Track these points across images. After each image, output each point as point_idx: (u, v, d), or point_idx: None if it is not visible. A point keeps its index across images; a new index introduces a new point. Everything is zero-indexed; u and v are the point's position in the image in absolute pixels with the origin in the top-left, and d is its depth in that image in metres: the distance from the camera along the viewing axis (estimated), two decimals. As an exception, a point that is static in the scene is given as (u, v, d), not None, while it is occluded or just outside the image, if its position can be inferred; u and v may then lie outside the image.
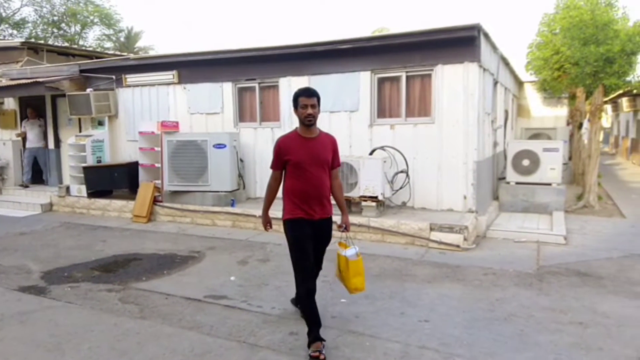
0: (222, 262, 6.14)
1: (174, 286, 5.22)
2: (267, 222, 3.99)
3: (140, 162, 9.36)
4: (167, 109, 9.72)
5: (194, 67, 9.27)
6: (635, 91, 13.54)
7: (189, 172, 8.48)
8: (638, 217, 8.62)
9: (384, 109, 8.02)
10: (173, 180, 8.59)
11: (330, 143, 3.81)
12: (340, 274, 4.02)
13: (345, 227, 3.92)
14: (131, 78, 9.97)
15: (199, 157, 8.39)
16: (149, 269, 5.87)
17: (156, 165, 9.06)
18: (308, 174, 3.65)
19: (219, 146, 8.31)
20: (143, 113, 9.98)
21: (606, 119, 27.94)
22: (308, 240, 3.69)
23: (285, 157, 3.66)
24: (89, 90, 9.98)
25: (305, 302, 3.74)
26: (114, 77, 10.10)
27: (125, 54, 17.79)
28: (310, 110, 3.59)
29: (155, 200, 8.85)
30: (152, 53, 27.43)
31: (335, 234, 3.99)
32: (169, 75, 9.53)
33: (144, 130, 9.27)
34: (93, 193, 9.63)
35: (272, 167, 3.80)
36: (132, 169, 9.45)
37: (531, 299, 4.73)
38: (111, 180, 9.54)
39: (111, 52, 23.98)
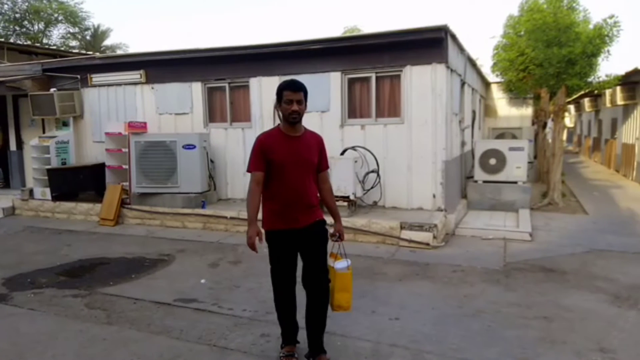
0: (193, 265, 6.05)
1: (143, 290, 5.11)
2: (255, 233, 3.23)
3: (107, 164, 9.15)
4: (135, 109, 9.53)
5: (162, 67, 9.11)
6: (596, 92, 14.03)
7: (157, 174, 8.33)
8: (600, 214, 8.93)
9: (354, 110, 8.07)
10: (141, 182, 8.42)
11: (316, 142, 3.40)
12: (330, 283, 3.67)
13: (339, 236, 3.49)
14: (97, 78, 9.73)
15: (167, 158, 8.26)
16: (117, 273, 5.73)
17: (124, 166, 8.87)
18: (291, 177, 3.24)
19: (189, 147, 8.19)
20: (110, 113, 9.75)
21: (569, 119, 28.86)
22: (287, 255, 3.36)
23: (269, 155, 3.22)
24: (52, 90, 9.67)
25: (279, 314, 3.54)
26: (79, 76, 9.83)
27: (90, 53, 17.34)
28: (295, 107, 3.17)
29: (123, 203, 8.66)
30: (120, 52, 26.82)
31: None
32: (136, 75, 9.34)
33: (110, 131, 9.06)
34: (58, 196, 9.34)
35: (252, 168, 3.27)
36: (98, 171, 9.23)
37: (498, 295, 4.84)
38: (77, 182, 9.29)
39: (76, 50, 23.34)
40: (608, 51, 9.28)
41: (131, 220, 8.60)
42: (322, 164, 3.45)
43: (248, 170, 3.29)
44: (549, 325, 4.11)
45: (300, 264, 3.44)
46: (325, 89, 7.98)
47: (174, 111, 9.22)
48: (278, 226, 3.31)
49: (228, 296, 4.89)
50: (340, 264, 3.46)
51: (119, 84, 9.62)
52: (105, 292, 5.08)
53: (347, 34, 18.40)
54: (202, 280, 5.38)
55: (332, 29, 52.98)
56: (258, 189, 3.28)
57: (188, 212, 8.14)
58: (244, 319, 4.30)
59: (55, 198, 9.33)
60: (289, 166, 3.23)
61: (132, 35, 50.67)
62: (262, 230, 3.32)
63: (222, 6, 58.71)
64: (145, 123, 8.96)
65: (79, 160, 9.95)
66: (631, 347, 3.69)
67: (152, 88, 9.35)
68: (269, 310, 4.43)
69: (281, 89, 3.24)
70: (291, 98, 3.19)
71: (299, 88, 3.23)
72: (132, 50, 28.47)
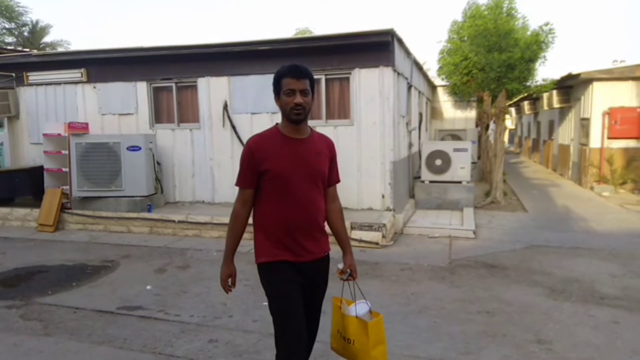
0: (138, 271, 5.86)
1: (84, 299, 4.89)
2: (228, 275, 2.53)
3: (45, 167, 8.69)
4: (76, 109, 9.13)
5: (105, 65, 8.78)
6: (534, 95, 14.78)
7: (100, 177, 8.01)
8: (538, 211, 9.41)
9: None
10: (83, 186, 8.07)
11: (326, 147, 2.57)
12: (342, 344, 2.61)
13: (350, 273, 2.60)
14: (34, 76, 9.24)
15: (111, 161, 7.95)
16: (56, 282, 5.46)
17: (64, 169, 8.46)
18: (297, 194, 2.42)
19: (134, 148, 7.93)
20: (48, 114, 9.29)
21: (511, 121, 30.24)
22: (296, 294, 2.45)
23: (263, 166, 2.39)
24: (-17, 88, 9.11)
25: None
26: (14, 74, 9.32)
27: (27, 50, 16.44)
28: (299, 99, 2.34)
29: (63, 207, 8.25)
30: (61, 49, 25.56)
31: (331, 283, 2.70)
32: (77, 74, 8.95)
33: (49, 132, 8.61)
34: (-9, 201, 8.79)
35: (240, 183, 2.48)
36: (36, 174, 8.76)
37: (444, 292, 4.99)
38: (12, 186, 8.79)
39: (12, 47, 22.03)
40: (544, 57, 9.82)
41: (72, 226, 8.21)
42: (332, 175, 2.63)
43: (236, 184, 2.52)
44: (490, 320, 4.28)
45: None
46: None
47: (117, 111, 8.90)
48: (281, 256, 2.44)
49: (175, 302, 4.77)
50: (361, 309, 2.56)
51: (58, 83, 9.18)
52: (43, 302, 4.82)
53: (298, 36, 18.42)
54: (148, 287, 5.22)
55: (284, 30, 52.98)
56: (243, 212, 2.49)
57: (133, 216, 7.87)
58: (191, 324, 4.20)
59: (-13, 203, 8.77)
60: (294, 179, 2.41)
61: (75, 33, 48.49)
62: (235, 271, 2.56)
63: (175, 6, 57.30)
64: (86, 124, 8.59)
65: (14, 163, 9.41)
66: (565, 337, 3.90)
67: (94, 87, 8.98)
68: (217, 315, 4.38)
69: (279, 77, 2.41)
70: (293, 87, 2.35)
71: (304, 74, 2.38)
72: (74, 48, 27.25)
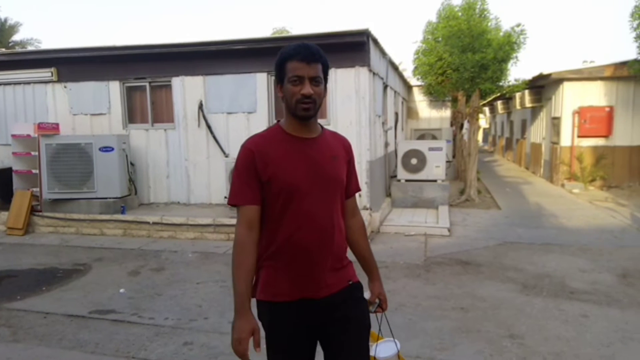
0: (111, 274, 5.74)
1: (55, 303, 4.78)
2: (250, 332, 1.76)
3: (14, 168, 8.43)
4: (46, 109, 8.90)
5: (76, 64, 8.58)
6: (507, 95, 15.07)
7: (72, 178, 7.82)
8: (511, 209, 9.59)
9: (281, 110, 8.03)
10: (54, 188, 7.87)
11: (343, 149, 2.03)
12: None
13: (379, 303, 2.12)
14: (2, 75, 8.97)
15: (83, 162, 7.77)
16: (25, 287, 5.31)
17: (33, 171, 8.23)
18: (310, 209, 1.84)
19: (106, 149, 7.77)
20: (17, 114, 9.03)
21: (485, 120, 30.79)
22: (302, 348, 1.89)
23: (266, 175, 1.81)
24: (-53, 88, 8.80)
25: None
26: (-21, 73, 9.02)
27: (-6, 48, 15.97)
28: (308, 88, 1.79)
29: (33, 210, 8.04)
30: (31, 48, 24.89)
31: None
32: (47, 73, 8.72)
33: (17, 133, 8.36)
34: (-44, 204, 8.50)
35: (239, 199, 1.84)
36: (4, 176, 8.48)
37: (419, 289, 5.05)
38: (-21, 189, 8.50)
39: (-22, 45, 21.37)
40: (516, 57, 9.99)
41: (43, 229, 8.01)
42: (351, 184, 2.07)
43: (230, 203, 1.89)
44: (465, 316, 4.34)
45: None
46: (251, 90, 7.90)
47: (89, 111, 8.71)
48: (283, 295, 1.86)
49: (149, 305, 4.69)
50: (385, 350, 2.13)
51: (28, 83, 8.93)
52: (12, 307, 4.69)
53: (275, 35, 18.36)
54: (121, 290, 5.12)
55: (261, 30, 52.77)
56: (250, 239, 1.82)
57: (106, 219, 7.72)
58: (165, 327, 4.15)
59: (-47, 207, 8.48)
60: (306, 190, 1.83)
61: (46, 31, 47.30)
62: (259, 326, 1.81)
63: (151, 5, 56.44)
64: (57, 124, 8.39)
65: (-19, 164, 9.11)
66: (537, 332, 3.99)
67: (65, 87, 8.77)
68: (192, 318, 4.34)
69: (284, 59, 1.84)
70: (301, 74, 1.80)
71: (316, 56, 1.84)
72: (45, 46, 26.59)
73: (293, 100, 1.81)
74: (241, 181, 1.83)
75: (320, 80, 1.85)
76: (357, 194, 2.15)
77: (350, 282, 1.98)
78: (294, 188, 1.81)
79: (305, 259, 1.84)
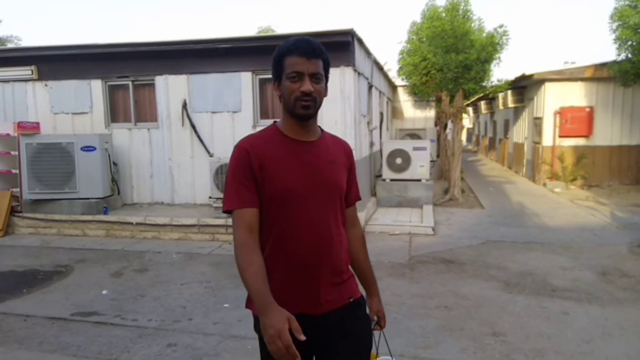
0: (93, 276, 5.67)
1: (35, 306, 4.70)
2: (284, 320, 1.48)
3: (-7, 169, 8.28)
4: (26, 108, 8.74)
5: (57, 63, 8.44)
6: (490, 95, 15.24)
7: (53, 178, 7.70)
8: (494, 208, 9.70)
9: (267, 110, 8.04)
10: (34, 188, 7.73)
11: (343, 153, 1.91)
12: None
13: (378, 320, 2.01)
14: (-21, 73, 8.79)
15: (64, 162, 7.66)
16: (5, 289, 5.21)
17: (13, 171, 8.07)
18: (308, 218, 1.72)
19: (88, 149, 7.66)
20: (-5, 113, 8.86)
21: (468, 120, 31.09)
22: None
23: (260, 178, 1.69)
24: None
25: None
26: (-44, 71, 8.81)
27: (-28, 45, 15.61)
28: (308, 85, 1.68)
29: (13, 211, 7.89)
30: (11, 46, 24.40)
31: None
32: (27, 71, 8.57)
33: (-4, 132, 8.21)
34: None
35: (234, 203, 1.68)
36: (-18, 176, 8.31)
37: (403, 288, 5.08)
38: (-44, 189, 8.30)
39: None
40: (499, 58, 10.09)
41: (23, 230, 7.87)
42: (352, 192, 1.95)
43: (226, 210, 1.72)
44: (448, 314, 4.38)
45: None
46: (236, 89, 7.87)
47: (71, 110, 8.59)
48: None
49: (132, 306, 4.64)
50: None
51: (6, 81, 8.76)
52: (-10, 310, 4.60)
53: (260, 34, 18.28)
54: (104, 291, 5.06)
55: (246, 29, 52.54)
56: (253, 240, 1.67)
57: (89, 219, 7.62)
58: (149, 329, 4.10)
59: None
60: (304, 197, 1.72)
61: (27, 29, 46.42)
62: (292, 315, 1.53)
63: (135, 4, 55.79)
64: (37, 123, 8.25)
65: (-42, 164, 8.90)
66: (519, 329, 4.04)
67: (46, 85, 8.63)
68: (176, 319, 4.30)
69: (282, 54, 1.73)
70: (301, 70, 1.68)
71: (317, 51, 1.71)
72: (26, 44, 26.05)
73: (292, 98, 1.69)
74: (237, 183, 1.69)
75: (321, 78, 1.73)
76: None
77: (351, 299, 1.83)
78: (288, 194, 1.69)
79: (301, 272, 1.71)
